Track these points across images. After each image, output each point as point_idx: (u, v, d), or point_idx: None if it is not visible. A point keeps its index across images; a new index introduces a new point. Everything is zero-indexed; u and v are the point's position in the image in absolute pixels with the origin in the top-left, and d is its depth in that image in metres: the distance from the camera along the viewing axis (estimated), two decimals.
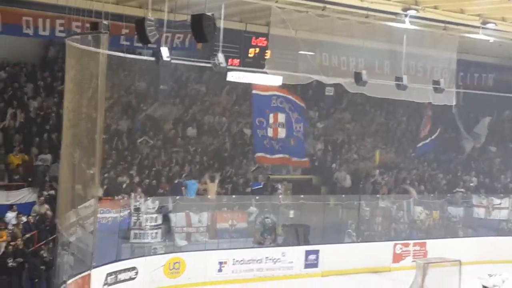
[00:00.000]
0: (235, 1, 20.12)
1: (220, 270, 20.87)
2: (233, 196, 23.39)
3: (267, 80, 20.94)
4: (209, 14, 15.35)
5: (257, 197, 23.25)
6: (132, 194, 21.09)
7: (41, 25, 23.18)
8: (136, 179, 22.46)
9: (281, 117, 23.35)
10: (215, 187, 23.02)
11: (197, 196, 22.64)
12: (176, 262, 20.06)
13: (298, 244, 22.94)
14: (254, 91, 23.31)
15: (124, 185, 21.86)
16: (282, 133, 23.36)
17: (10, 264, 17.61)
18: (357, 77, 20.48)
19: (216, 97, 28.38)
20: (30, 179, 21.51)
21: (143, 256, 19.57)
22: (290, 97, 23.68)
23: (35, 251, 18.48)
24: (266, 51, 23.26)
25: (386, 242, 24.49)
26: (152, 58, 19.35)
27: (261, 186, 24.60)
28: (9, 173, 21.39)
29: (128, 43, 24.16)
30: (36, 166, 21.87)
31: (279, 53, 21.10)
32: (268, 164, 24.94)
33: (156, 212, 20.61)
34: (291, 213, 23.47)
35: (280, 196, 24.13)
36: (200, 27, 15.10)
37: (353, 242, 23.99)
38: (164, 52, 17.92)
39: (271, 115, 23.19)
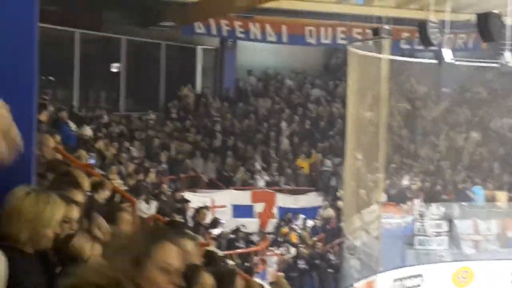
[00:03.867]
0: None
1: None
2: None
3: None
4: (496, 11, 14.55)
5: None
6: (416, 200, 20.72)
7: (323, 34, 23.85)
8: (420, 184, 22.05)
9: None
10: (505, 193, 21.74)
11: (485, 203, 21.55)
12: (465, 271, 19.28)
13: None
14: None
15: (407, 191, 21.56)
16: None
17: (301, 265, 18.25)
18: None
19: (503, 99, 26.87)
20: (316, 184, 22.16)
21: (429, 263, 19.12)
22: None
23: (323, 254, 18.94)
24: None
25: None
26: (434, 61, 18.89)
27: None
28: (296, 178, 22.22)
29: (408, 46, 23.93)
30: (322, 171, 22.44)
31: None
32: None
33: (441, 219, 20.02)
34: None
35: None
36: (487, 26, 14.35)
37: None
38: (447, 53, 17.39)
39: None
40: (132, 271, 2.69)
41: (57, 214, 3.55)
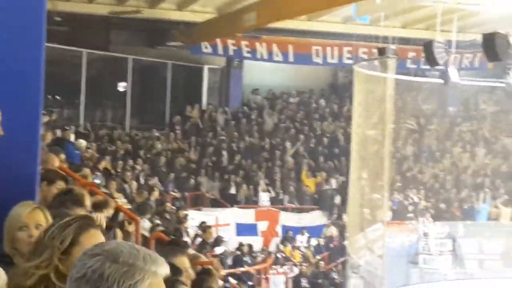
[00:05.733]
0: None
1: None
2: None
3: None
4: (502, 32, 14.63)
5: None
6: (420, 218, 20.73)
7: (329, 53, 23.98)
8: (424, 203, 22.06)
9: None
10: (510, 211, 21.72)
11: (490, 221, 21.54)
12: None
13: None
14: None
15: (412, 209, 21.57)
16: None
17: (303, 284, 18.26)
18: None
19: (508, 118, 26.92)
20: (320, 202, 22.18)
21: (433, 282, 19.08)
22: None
23: (326, 273, 18.94)
24: None
25: None
26: (440, 80, 18.98)
27: None
28: (300, 196, 22.26)
29: (414, 66, 24.02)
30: (326, 190, 22.47)
31: None
32: None
33: (445, 237, 20.01)
34: None
35: None
36: (493, 46, 14.43)
37: None
38: (453, 73, 17.49)
39: None
40: (59, 262, 2.80)
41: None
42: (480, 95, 27.77)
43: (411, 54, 23.76)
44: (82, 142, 15.71)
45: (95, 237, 2.83)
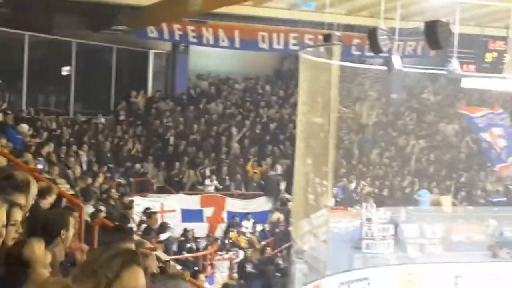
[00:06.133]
0: (471, 5, 19.36)
1: (456, 284, 20.05)
2: (470, 207, 22.38)
3: (505, 85, 19.89)
4: (444, 20, 14.89)
5: (495, 209, 22.04)
6: (364, 204, 21.02)
7: (275, 39, 24.02)
8: (368, 189, 22.37)
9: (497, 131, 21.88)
10: (450, 198, 22.24)
11: (431, 207, 22.01)
12: (409, 274, 19.63)
13: None
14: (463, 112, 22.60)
15: (355, 195, 21.87)
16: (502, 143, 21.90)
17: (248, 269, 18.38)
18: None
19: (451, 106, 27.48)
20: (265, 188, 22.28)
21: (376, 266, 19.41)
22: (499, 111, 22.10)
23: (271, 258, 19.08)
24: (505, 55, 22.09)
25: None
26: (384, 67, 19.23)
27: (504, 199, 23.19)
28: (247, 183, 22.32)
29: (359, 53, 24.28)
30: (272, 176, 22.58)
31: None
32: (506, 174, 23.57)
33: (388, 223, 20.36)
34: None
35: None
36: (435, 34, 14.69)
37: None
38: (396, 60, 17.72)
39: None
40: None
41: None
42: (422, 83, 28.25)
43: (355, 41, 23.97)
44: (24, 127, 15.43)
45: (135, 275, 2.88)
